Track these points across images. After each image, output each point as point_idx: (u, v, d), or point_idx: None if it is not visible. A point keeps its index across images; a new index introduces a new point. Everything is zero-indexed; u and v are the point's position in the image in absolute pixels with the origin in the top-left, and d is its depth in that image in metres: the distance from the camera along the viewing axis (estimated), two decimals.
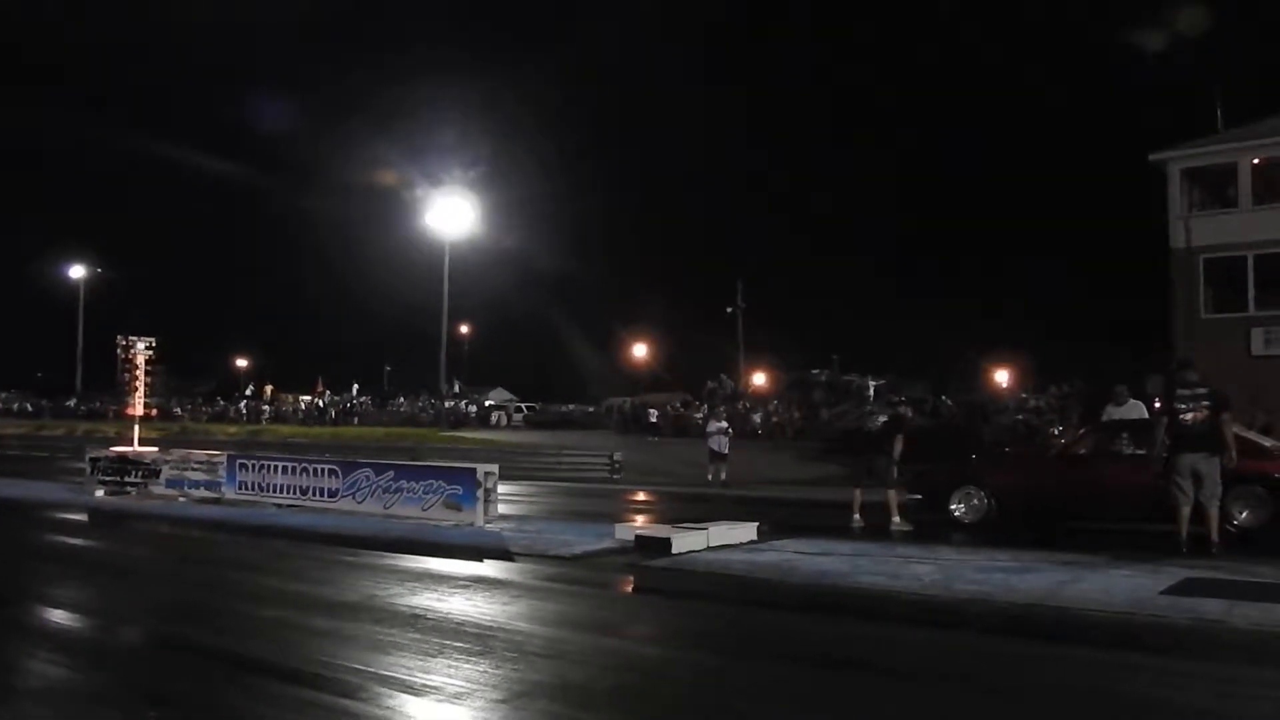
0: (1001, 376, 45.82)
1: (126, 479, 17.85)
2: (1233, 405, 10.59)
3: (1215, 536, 10.02)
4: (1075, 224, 76.28)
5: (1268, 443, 12.63)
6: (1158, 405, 11.85)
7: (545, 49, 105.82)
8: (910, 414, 14.55)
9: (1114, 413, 13.71)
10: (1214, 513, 10.08)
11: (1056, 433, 24.04)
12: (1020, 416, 30.34)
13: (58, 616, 7.77)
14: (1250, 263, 26.52)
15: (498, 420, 47.55)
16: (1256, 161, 27.00)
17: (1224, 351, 25.24)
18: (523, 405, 52.51)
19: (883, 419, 14.07)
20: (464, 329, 67.89)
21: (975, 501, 13.03)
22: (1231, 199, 27.62)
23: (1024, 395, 35.66)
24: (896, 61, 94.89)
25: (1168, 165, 27.73)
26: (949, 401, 35.16)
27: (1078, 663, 6.14)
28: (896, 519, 13.05)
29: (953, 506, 13.16)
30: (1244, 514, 11.23)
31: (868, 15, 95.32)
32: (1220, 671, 5.82)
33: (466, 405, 50.70)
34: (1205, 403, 10.21)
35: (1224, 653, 6.28)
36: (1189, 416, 10.20)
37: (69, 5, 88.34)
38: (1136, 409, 13.67)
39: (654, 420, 41.02)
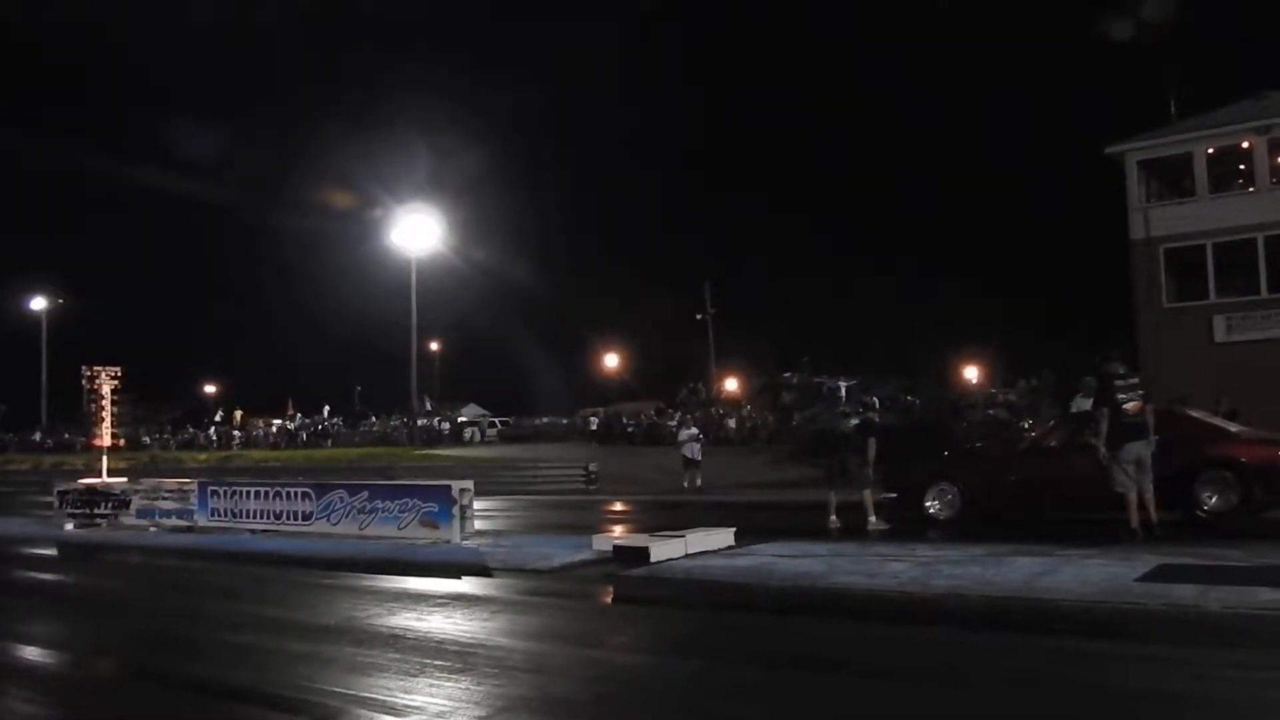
0: (971, 373, 46.21)
1: (96, 511, 17.62)
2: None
3: (1154, 518, 10.47)
4: (1041, 217, 76.99)
5: (1234, 428, 12.80)
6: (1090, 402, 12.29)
7: (507, 64, 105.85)
8: (877, 419, 14.67)
9: (1082, 404, 13.88)
10: (1150, 495, 10.50)
11: (1026, 427, 24.24)
12: (990, 412, 30.57)
13: (30, 653, 7.65)
14: (1209, 251, 26.90)
15: (471, 436, 47.27)
16: (1211, 151, 27.41)
17: (1187, 339, 25.62)
18: (496, 420, 52.21)
19: (854, 421, 14.15)
20: (434, 345, 67.52)
21: (949, 498, 13.13)
22: (1188, 189, 28.04)
23: (994, 391, 35.93)
24: (855, 59, 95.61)
25: (1124, 157, 28.10)
26: (916, 401, 35.36)
27: (1057, 653, 6.20)
28: (873, 518, 13.12)
29: (927, 503, 13.25)
30: (1213, 499, 11.35)
31: (819, 19, 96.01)
32: (1196, 655, 5.90)
33: (440, 422, 50.34)
34: (1140, 391, 10.72)
35: (1199, 637, 6.35)
36: (1130, 406, 10.61)
37: (13, 21, 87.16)
38: None
39: (629, 429, 41.02)
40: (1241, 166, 27.69)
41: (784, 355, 49.52)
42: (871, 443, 13.59)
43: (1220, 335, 26.25)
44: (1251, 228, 26.20)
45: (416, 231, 40.43)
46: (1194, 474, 11.35)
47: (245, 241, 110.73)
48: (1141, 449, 10.52)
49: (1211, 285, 26.96)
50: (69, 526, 17.69)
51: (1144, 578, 7.99)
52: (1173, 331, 26.40)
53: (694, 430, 25.04)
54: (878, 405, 15.73)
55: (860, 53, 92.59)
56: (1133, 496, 10.49)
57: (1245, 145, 27.09)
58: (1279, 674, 5.43)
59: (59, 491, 18.66)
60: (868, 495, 13.36)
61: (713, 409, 40.92)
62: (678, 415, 38.60)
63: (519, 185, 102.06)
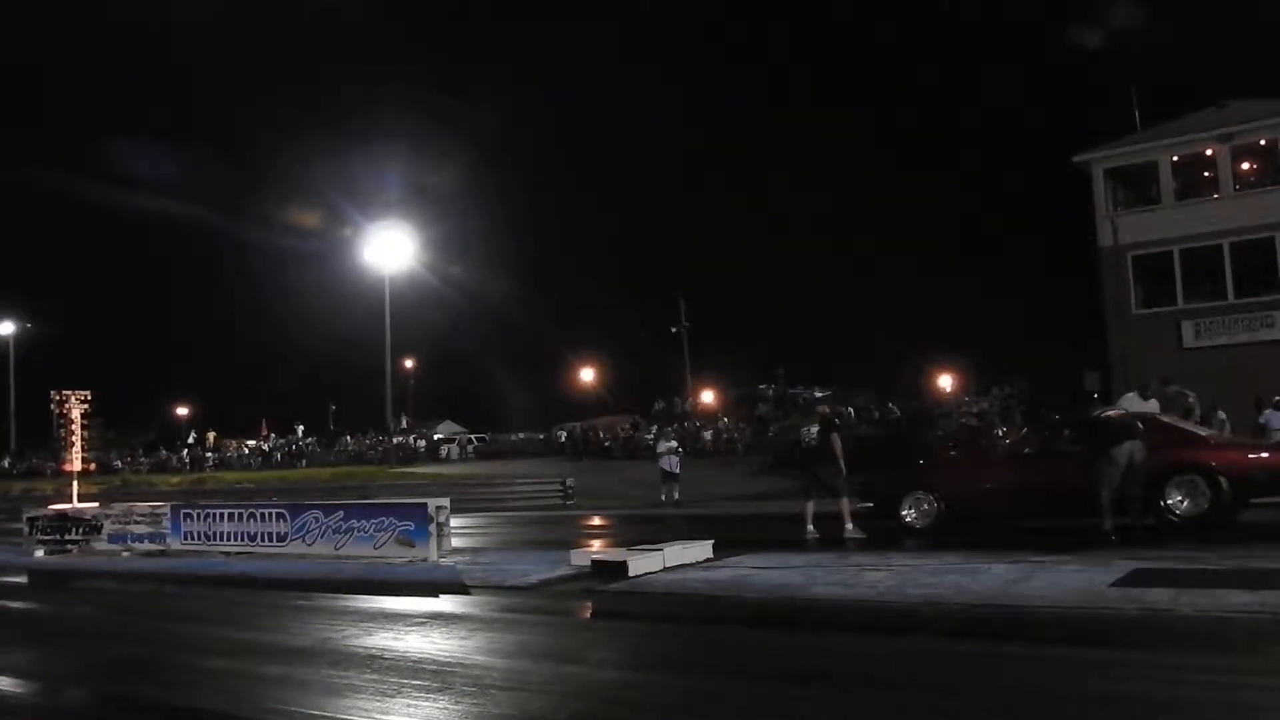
0: (945, 381, 46.49)
1: (67, 537, 17.39)
2: None
3: (1138, 521, 11.11)
4: (1012, 225, 77.68)
5: (1204, 433, 12.94)
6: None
7: (478, 81, 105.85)
8: (829, 410, 14.65)
9: (1135, 403, 14.35)
10: (1135, 496, 11.18)
11: (1001, 434, 24.40)
12: (963, 419, 30.74)
13: (0, 683, 7.52)
14: (1176, 257, 27.28)
15: (448, 453, 47.06)
16: (1176, 159, 27.81)
17: (1157, 345, 25.93)
18: (472, 436, 52.02)
19: (814, 429, 14.14)
20: (409, 363, 67.27)
21: (925, 506, 13.18)
22: (1154, 196, 28.41)
23: (966, 399, 36.16)
24: (825, 75, 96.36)
25: (1091, 166, 28.46)
26: (895, 409, 35.53)
27: (1033, 660, 6.22)
28: (849, 526, 13.14)
29: (904, 512, 13.28)
30: (1184, 504, 11.46)
31: (791, 35, 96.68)
32: (1170, 660, 5.94)
33: (415, 440, 50.15)
34: (1121, 409, 11.80)
35: (1173, 641, 6.40)
36: (1114, 414, 11.46)
37: None
38: (1151, 404, 14.44)
39: (605, 443, 40.98)
40: (1206, 174, 28.11)
41: (760, 367, 49.78)
42: (835, 439, 13.57)
43: (1189, 340, 26.59)
44: (1217, 234, 26.60)
45: (390, 249, 40.36)
46: (1166, 479, 11.48)
47: (216, 261, 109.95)
48: (1136, 450, 11.06)
49: (1179, 291, 27.32)
50: (39, 553, 17.45)
51: (1118, 583, 8.06)
52: (1143, 337, 26.72)
53: (673, 443, 25.01)
54: (831, 405, 15.63)
55: (830, 68, 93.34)
56: (1108, 498, 10.93)
57: (1209, 153, 27.52)
58: (1253, 677, 5.46)
59: (29, 518, 18.42)
60: (844, 504, 13.38)
61: (688, 422, 40.91)
62: (655, 428, 38.59)
63: (492, 202, 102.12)
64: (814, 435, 14.04)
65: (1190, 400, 15.20)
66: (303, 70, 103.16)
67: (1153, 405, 14.28)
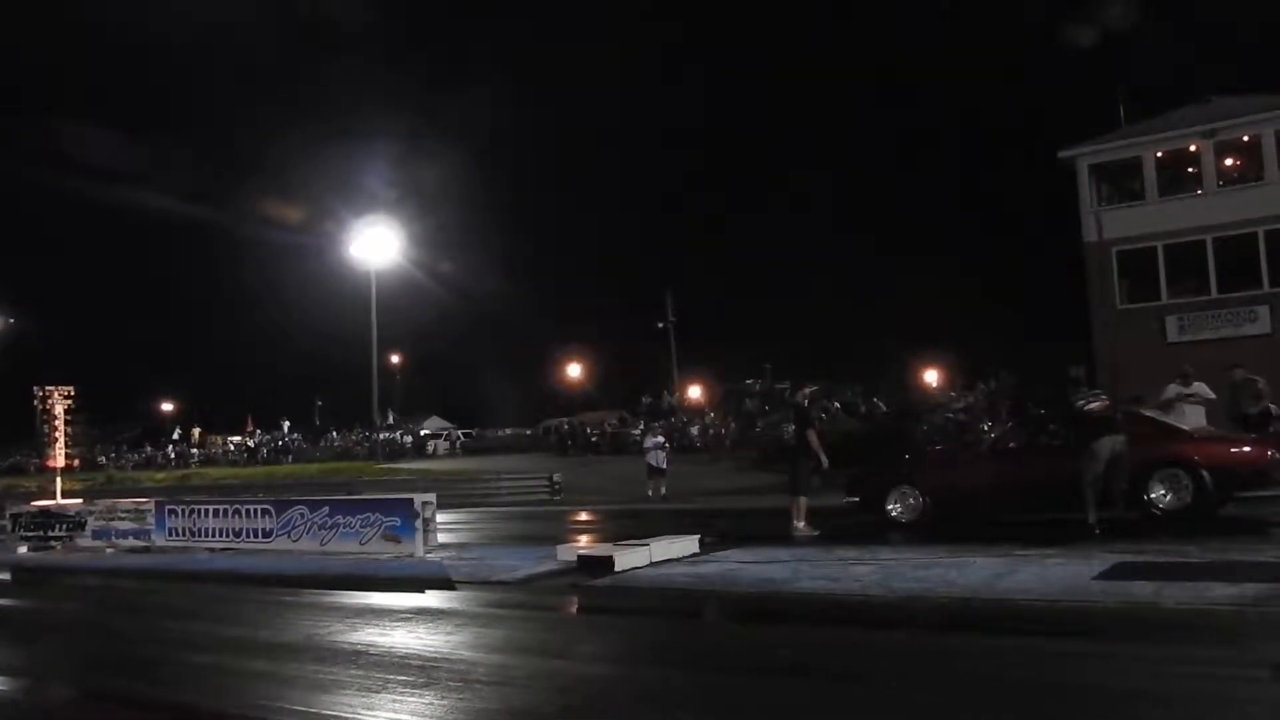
0: (931, 376, 46.64)
1: (50, 533, 17.31)
2: None
3: (1122, 514, 11.23)
4: (998, 221, 77.77)
5: (1187, 427, 13.02)
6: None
7: (464, 76, 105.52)
8: (801, 398, 14.55)
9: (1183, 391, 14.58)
10: (1120, 490, 11.28)
11: (986, 429, 24.48)
12: (949, 415, 30.81)
13: None
14: (1160, 253, 27.40)
15: (435, 449, 46.97)
16: (1160, 155, 27.94)
17: (1141, 340, 26.03)
18: (460, 432, 51.93)
19: (791, 426, 14.04)
20: (395, 359, 67.05)
21: (911, 501, 13.21)
22: (1139, 192, 28.52)
23: (952, 394, 36.23)
24: (810, 67, 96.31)
25: (1076, 161, 28.55)
26: (881, 404, 35.60)
27: (1017, 653, 6.26)
28: (800, 525, 12.98)
29: (889, 507, 13.32)
30: (1167, 497, 11.52)
31: (774, 18, 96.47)
32: (1151, 652, 6.00)
33: (402, 436, 50.03)
34: (1103, 396, 11.76)
35: (1155, 633, 6.45)
36: (1096, 406, 11.44)
37: None
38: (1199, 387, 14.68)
39: (593, 439, 40.99)
40: (1190, 170, 28.23)
41: (747, 363, 49.76)
42: (811, 435, 13.46)
43: (1173, 335, 26.71)
44: (1200, 229, 26.73)
45: (376, 244, 40.27)
46: (1149, 473, 11.54)
47: (201, 255, 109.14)
48: (1116, 441, 11.15)
49: (1163, 286, 27.45)
50: (22, 550, 17.37)
51: (1102, 576, 8.10)
52: (1127, 332, 26.85)
53: (660, 439, 25.04)
54: (807, 395, 15.32)
55: (814, 60, 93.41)
56: (1091, 491, 11.00)
57: (1193, 149, 27.64)
58: (1234, 669, 5.50)
59: (12, 514, 18.33)
60: (802, 502, 13.17)
61: (675, 417, 40.93)
62: (642, 423, 38.58)
63: (480, 198, 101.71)
64: (790, 433, 13.98)
65: (1260, 386, 15.12)
66: (296, 67, 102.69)
67: (1201, 388, 14.59)
